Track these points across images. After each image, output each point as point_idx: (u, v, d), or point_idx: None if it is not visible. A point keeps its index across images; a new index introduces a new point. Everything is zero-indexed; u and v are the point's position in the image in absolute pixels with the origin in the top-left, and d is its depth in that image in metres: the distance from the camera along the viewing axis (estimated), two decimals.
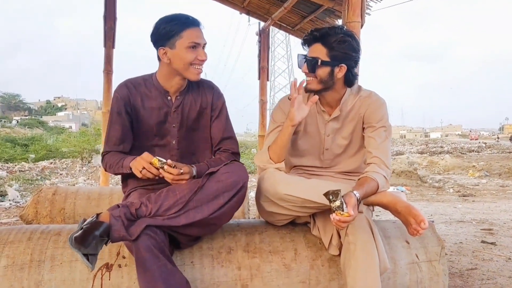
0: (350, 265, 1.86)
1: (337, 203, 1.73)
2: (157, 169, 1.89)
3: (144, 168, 1.89)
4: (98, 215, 1.82)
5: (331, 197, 1.75)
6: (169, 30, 2.00)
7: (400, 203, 1.96)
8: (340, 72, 2.11)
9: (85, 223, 1.79)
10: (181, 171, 1.91)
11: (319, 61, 2.08)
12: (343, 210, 1.73)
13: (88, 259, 1.71)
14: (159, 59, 2.08)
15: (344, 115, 2.23)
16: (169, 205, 1.85)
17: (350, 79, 2.16)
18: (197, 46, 2.02)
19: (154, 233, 1.79)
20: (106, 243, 1.79)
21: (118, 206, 1.86)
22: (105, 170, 2.16)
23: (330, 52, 2.08)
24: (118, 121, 2.10)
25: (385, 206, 2.03)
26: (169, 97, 2.14)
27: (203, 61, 2.05)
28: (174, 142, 2.16)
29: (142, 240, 1.77)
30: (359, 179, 2.05)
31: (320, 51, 2.09)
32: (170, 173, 1.89)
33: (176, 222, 1.83)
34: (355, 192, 1.87)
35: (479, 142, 36.82)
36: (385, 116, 2.19)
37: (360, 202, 1.90)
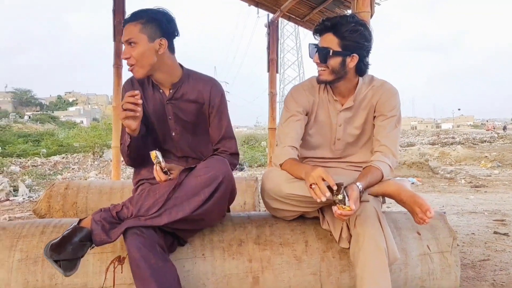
0: (359, 257, 1.85)
1: (340, 196, 1.73)
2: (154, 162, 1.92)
3: (124, 110, 1.88)
4: (80, 220, 1.85)
5: (333, 190, 1.75)
6: None
7: (405, 192, 1.96)
8: (352, 62, 2.09)
9: (67, 229, 1.82)
10: (170, 177, 1.92)
11: (331, 51, 2.06)
12: (345, 204, 1.73)
13: (59, 265, 1.74)
14: None
15: (357, 105, 2.22)
16: (149, 205, 1.85)
17: (362, 69, 2.15)
18: (125, 44, 2.03)
19: (141, 232, 1.80)
20: (91, 247, 1.82)
21: (100, 210, 1.88)
22: (125, 161, 2.20)
23: (341, 42, 2.05)
24: None
25: (390, 196, 2.02)
26: (161, 90, 2.17)
27: (124, 59, 2.04)
28: (173, 134, 2.18)
29: (130, 240, 1.78)
30: (363, 169, 2.06)
31: (331, 41, 2.06)
32: (159, 176, 1.91)
33: (157, 222, 1.83)
34: (358, 183, 1.88)
35: (491, 133, 36.43)
36: (397, 106, 2.18)
37: (363, 193, 1.90)
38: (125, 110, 1.87)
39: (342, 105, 2.22)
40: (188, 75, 2.20)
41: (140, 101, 1.86)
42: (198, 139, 2.23)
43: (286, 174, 2.05)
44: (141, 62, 2.02)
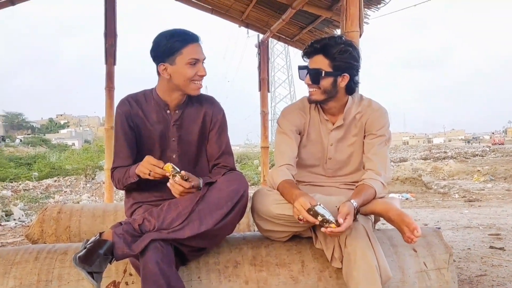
0: (352, 276, 1.86)
1: (319, 218, 1.78)
2: (169, 175, 1.87)
3: (150, 170, 1.88)
4: (101, 234, 1.83)
5: (312, 214, 1.80)
6: (169, 47, 2.01)
7: (393, 211, 1.96)
8: (343, 81, 2.13)
9: (89, 242, 1.81)
10: (192, 184, 1.90)
11: (323, 72, 2.09)
12: (328, 222, 1.77)
13: (93, 277, 1.72)
14: (158, 74, 2.10)
15: (347, 124, 2.24)
16: (172, 218, 1.86)
17: (352, 87, 2.18)
18: (197, 62, 2.03)
19: (162, 247, 1.80)
20: (110, 262, 1.80)
21: (120, 223, 1.88)
22: (116, 187, 2.14)
23: (332, 63, 2.09)
24: (123, 136, 2.11)
25: (378, 214, 2.04)
26: (168, 111, 2.16)
27: (203, 76, 2.06)
28: (174, 156, 2.16)
29: (150, 254, 1.77)
30: (356, 187, 2.08)
31: (322, 62, 2.10)
32: (182, 186, 1.87)
33: (181, 235, 1.84)
34: (352, 201, 1.89)
35: (483, 146, 36.58)
36: (386, 125, 2.22)
37: (358, 211, 1.90)
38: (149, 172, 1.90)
39: (333, 124, 2.24)
40: (190, 95, 2.20)
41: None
42: (197, 163, 2.22)
43: (275, 195, 2.07)
44: None
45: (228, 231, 2.05)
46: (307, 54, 2.16)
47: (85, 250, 1.78)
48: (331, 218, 1.78)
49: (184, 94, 2.13)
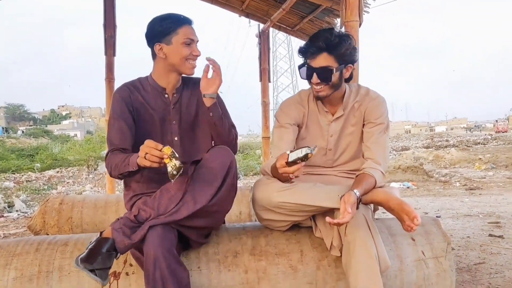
0: (351, 265, 1.87)
1: (300, 162, 1.78)
2: (167, 158, 1.75)
3: (146, 152, 1.75)
4: (101, 233, 1.86)
5: (292, 163, 1.80)
6: (165, 28, 2.07)
7: (393, 200, 1.97)
8: (347, 72, 2.17)
9: (91, 243, 1.83)
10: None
11: (334, 69, 2.09)
12: (307, 158, 1.76)
13: (96, 274, 1.75)
14: (153, 56, 2.15)
15: (347, 114, 2.25)
16: (166, 203, 1.88)
17: (351, 75, 2.22)
18: (191, 42, 2.10)
19: (161, 232, 1.82)
20: (116, 257, 1.83)
21: (118, 219, 1.90)
22: (110, 174, 2.04)
23: (337, 58, 2.10)
24: (121, 120, 2.09)
25: (379, 203, 2.05)
26: (166, 95, 2.19)
27: (197, 56, 2.13)
28: (176, 139, 2.19)
29: (150, 240, 1.79)
30: (357, 176, 2.08)
31: (328, 60, 2.09)
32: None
33: (178, 216, 1.86)
34: (355, 190, 1.90)
35: (485, 134, 36.45)
36: (385, 113, 2.22)
37: (360, 200, 1.92)
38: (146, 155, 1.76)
39: (333, 115, 2.25)
40: (184, 79, 2.25)
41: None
42: (198, 144, 2.23)
43: (276, 184, 2.07)
44: None
45: (226, 206, 2.05)
46: (312, 54, 2.12)
47: (87, 251, 1.81)
48: (303, 151, 1.75)
49: (179, 75, 2.18)
